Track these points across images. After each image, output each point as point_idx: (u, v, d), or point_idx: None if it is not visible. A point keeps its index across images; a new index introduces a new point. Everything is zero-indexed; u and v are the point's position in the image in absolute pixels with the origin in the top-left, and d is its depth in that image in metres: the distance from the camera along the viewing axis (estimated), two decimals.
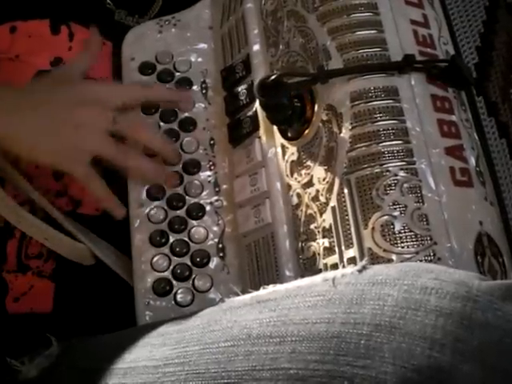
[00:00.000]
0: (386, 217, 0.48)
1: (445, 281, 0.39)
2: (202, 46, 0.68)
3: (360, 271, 0.43)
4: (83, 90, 0.61)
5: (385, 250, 0.48)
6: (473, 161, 0.52)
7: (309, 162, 0.54)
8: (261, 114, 0.58)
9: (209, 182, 0.63)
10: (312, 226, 0.53)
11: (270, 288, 0.47)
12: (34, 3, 0.68)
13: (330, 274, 0.44)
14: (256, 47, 0.61)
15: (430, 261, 0.47)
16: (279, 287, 0.46)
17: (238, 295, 0.59)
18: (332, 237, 0.50)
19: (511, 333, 0.38)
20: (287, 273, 0.55)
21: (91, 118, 0.59)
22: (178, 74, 0.67)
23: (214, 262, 0.61)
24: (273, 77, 0.51)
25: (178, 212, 0.62)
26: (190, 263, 0.61)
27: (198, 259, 0.61)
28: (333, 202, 0.51)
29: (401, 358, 0.36)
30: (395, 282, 0.40)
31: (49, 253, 0.65)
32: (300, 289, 0.44)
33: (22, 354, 0.58)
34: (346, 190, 0.50)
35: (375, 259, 0.48)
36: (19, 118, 0.59)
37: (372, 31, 0.53)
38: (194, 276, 0.60)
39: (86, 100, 0.60)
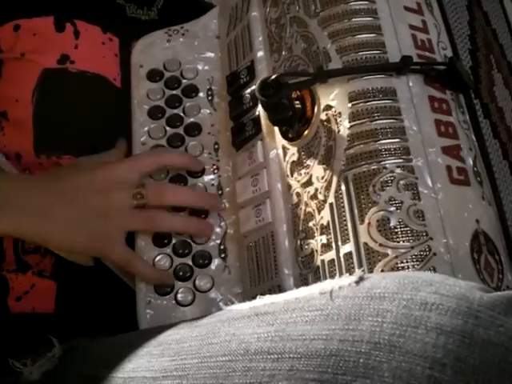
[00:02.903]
0: (382, 212, 0.49)
1: (445, 295, 0.38)
2: (209, 54, 0.70)
3: (357, 283, 0.42)
4: (104, 174, 0.61)
5: (380, 245, 0.48)
6: (470, 161, 0.52)
7: (308, 162, 0.55)
8: (263, 117, 0.60)
9: (212, 184, 0.64)
10: (310, 224, 0.53)
11: (268, 298, 0.47)
12: (37, 1, 0.69)
13: (328, 285, 0.43)
14: (260, 53, 0.63)
15: (426, 256, 0.47)
16: (277, 298, 0.46)
17: (238, 296, 0.60)
18: (329, 233, 0.51)
19: None
20: (286, 271, 0.55)
21: (116, 201, 0.60)
22: (184, 81, 0.69)
23: (215, 263, 0.62)
24: (273, 77, 0.53)
25: (182, 214, 0.63)
26: (191, 264, 0.61)
27: (199, 260, 0.62)
28: (331, 199, 0.51)
29: (400, 378, 0.36)
30: (394, 296, 0.39)
31: (46, 248, 0.65)
32: (298, 301, 0.43)
33: (25, 354, 0.58)
34: (343, 187, 0.51)
35: (371, 254, 0.48)
36: (46, 216, 0.58)
37: (371, 35, 0.54)
38: (195, 276, 0.61)
39: (108, 184, 0.60)
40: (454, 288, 0.39)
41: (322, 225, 0.52)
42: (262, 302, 0.47)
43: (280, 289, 0.55)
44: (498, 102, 0.57)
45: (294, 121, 0.55)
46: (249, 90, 0.63)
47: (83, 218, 0.59)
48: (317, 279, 0.52)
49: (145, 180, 0.62)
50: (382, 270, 0.47)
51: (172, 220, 0.62)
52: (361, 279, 0.42)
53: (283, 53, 0.60)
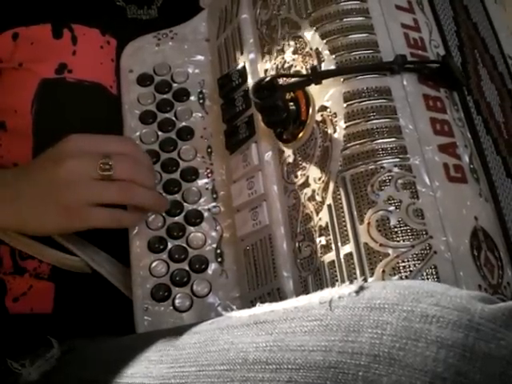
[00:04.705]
0: (381, 212, 0.48)
1: (446, 307, 0.38)
2: (199, 57, 0.70)
3: (357, 292, 0.41)
4: (66, 144, 0.59)
5: (381, 245, 0.48)
6: (466, 158, 0.52)
7: (304, 163, 0.54)
8: (257, 119, 0.59)
9: (206, 188, 0.64)
10: (309, 226, 0.53)
11: (268, 307, 0.46)
12: (36, 7, 0.68)
13: (327, 294, 0.43)
14: (251, 55, 0.63)
15: (427, 254, 0.47)
16: (277, 307, 0.45)
17: (236, 300, 0.60)
18: (328, 234, 0.51)
19: None
20: (285, 273, 0.55)
21: (79, 169, 0.57)
22: (175, 84, 0.68)
23: (212, 268, 0.61)
24: (267, 79, 0.53)
25: (176, 218, 0.63)
26: (188, 269, 0.61)
27: (196, 265, 0.61)
28: (328, 201, 0.51)
29: None
30: (394, 307, 0.39)
31: None
32: (297, 311, 0.43)
33: (24, 355, 0.58)
34: (341, 188, 0.50)
35: (371, 254, 0.48)
36: (14, 201, 0.58)
37: (364, 34, 0.54)
38: (192, 281, 0.60)
39: (65, 153, 0.58)
40: (454, 300, 0.39)
41: (321, 226, 0.52)
42: (262, 309, 0.46)
43: (279, 291, 0.55)
44: (486, 98, 0.57)
45: (289, 122, 0.55)
46: (241, 93, 0.62)
47: (46, 192, 0.58)
48: (317, 281, 0.52)
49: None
50: (383, 270, 0.47)
51: (145, 193, 0.60)
52: (361, 288, 0.42)
53: (275, 54, 0.60)
